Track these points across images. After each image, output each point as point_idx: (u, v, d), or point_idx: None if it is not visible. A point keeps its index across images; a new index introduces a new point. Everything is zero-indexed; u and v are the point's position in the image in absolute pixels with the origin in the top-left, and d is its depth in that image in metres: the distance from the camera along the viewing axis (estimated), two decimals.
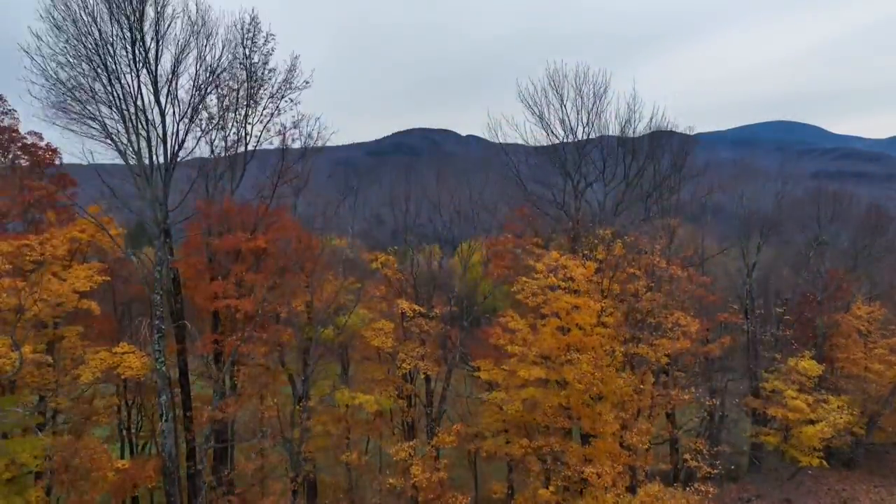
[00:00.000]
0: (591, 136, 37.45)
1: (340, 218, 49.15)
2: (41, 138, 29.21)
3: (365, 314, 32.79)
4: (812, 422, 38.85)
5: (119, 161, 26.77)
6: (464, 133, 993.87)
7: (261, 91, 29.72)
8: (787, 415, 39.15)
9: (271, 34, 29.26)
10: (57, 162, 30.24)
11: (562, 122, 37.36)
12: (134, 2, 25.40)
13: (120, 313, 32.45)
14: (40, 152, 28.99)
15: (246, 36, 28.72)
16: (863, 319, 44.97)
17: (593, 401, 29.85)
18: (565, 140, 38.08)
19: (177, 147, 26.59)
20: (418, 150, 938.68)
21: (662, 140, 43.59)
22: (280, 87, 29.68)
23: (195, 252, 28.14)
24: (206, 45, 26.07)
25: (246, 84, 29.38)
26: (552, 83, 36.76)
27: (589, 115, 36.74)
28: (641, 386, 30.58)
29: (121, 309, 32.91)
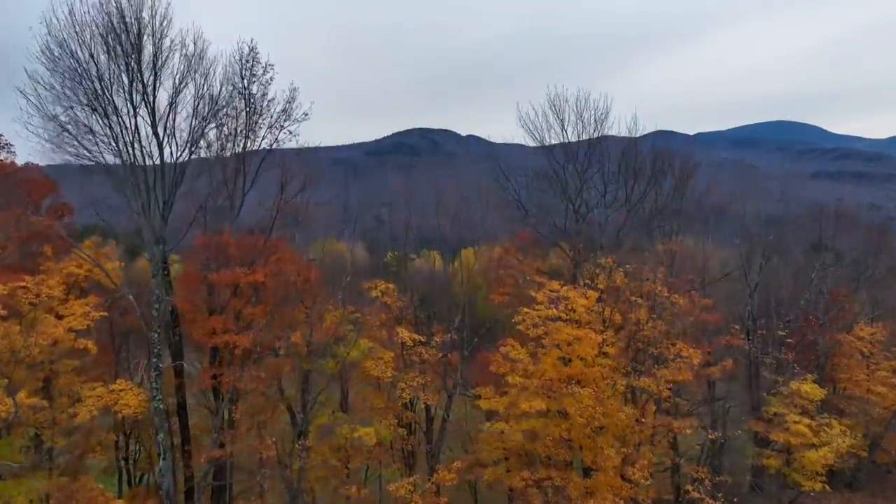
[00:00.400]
0: (591, 161, 37.14)
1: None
2: (38, 170, 28.97)
3: (364, 343, 32.53)
4: (815, 446, 38.59)
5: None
6: (464, 133, 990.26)
7: (259, 121, 29.48)
8: (790, 439, 38.89)
9: (270, 64, 29.10)
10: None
11: (563, 146, 37.04)
12: (132, 37, 25.17)
13: (118, 344, 32.23)
14: (37, 185, 28.76)
15: (245, 66, 28.48)
16: (865, 341, 44.72)
17: (595, 433, 29.63)
18: (566, 165, 37.82)
19: (176, 182, 26.34)
20: (418, 150, 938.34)
21: (664, 163, 43.31)
22: (278, 118, 29.44)
23: (193, 286, 27.90)
24: (203, 82, 25.82)
25: (244, 114, 29.14)
26: (553, 108, 36.48)
27: (591, 138, 36.43)
28: (643, 419, 30.34)
29: (119, 339, 32.68)
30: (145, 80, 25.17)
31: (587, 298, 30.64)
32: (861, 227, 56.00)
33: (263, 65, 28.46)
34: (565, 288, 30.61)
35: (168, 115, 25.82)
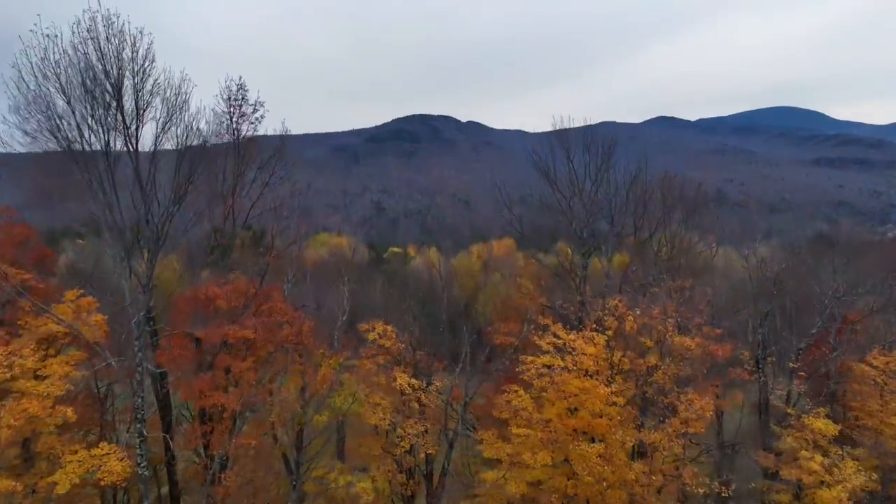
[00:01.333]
0: (599, 192, 35.54)
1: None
2: (16, 215, 27.42)
3: (361, 389, 31.13)
4: (828, 484, 37.38)
5: None
6: (464, 119, 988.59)
7: (249, 163, 27.87)
8: (802, 476, 37.66)
9: (260, 102, 27.46)
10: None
11: (570, 179, 35.43)
12: (111, 79, 23.53)
13: (103, 393, 30.74)
14: (15, 231, 27.25)
15: (233, 104, 26.82)
16: (879, 370, 43.28)
17: (602, 489, 28.37)
18: (572, 198, 36.19)
19: (161, 237, 24.77)
20: (418, 136, 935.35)
21: (673, 193, 41.68)
22: (270, 160, 27.84)
23: (180, 343, 26.44)
24: (187, 133, 24.19)
25: (233, 155, 27.54)
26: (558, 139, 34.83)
27: (598, 170, 34.82)
28: (653, 476, 29.03)
29: (104, 389, 31.15)
30: (129, 132, 23.58)
31: (595, 345, 29.27)
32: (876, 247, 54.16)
33: (253, 104, 26.83)
34: (571, 336, 29.18)
35: (152, 169, 24.20)
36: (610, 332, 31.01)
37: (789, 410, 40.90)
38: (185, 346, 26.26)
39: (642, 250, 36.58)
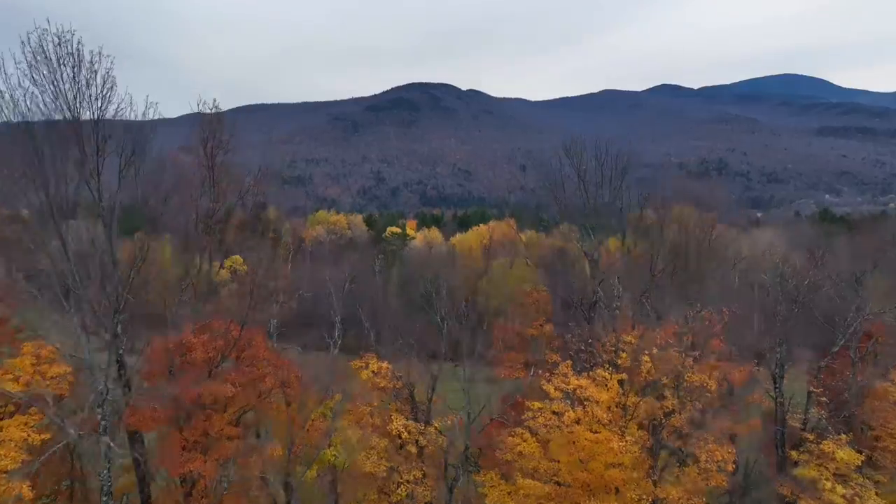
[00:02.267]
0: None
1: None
2: None
3: (354, 433, 28.78)
4: None
5: None
6: (464, 87, 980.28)
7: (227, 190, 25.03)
8: None
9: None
10: None
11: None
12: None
13: (72, 447, 28.35)
14: None
15: (207, 133, 23.93)
16: None
17: None
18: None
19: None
20: (418, 105, 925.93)
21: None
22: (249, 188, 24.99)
23: (154, 401, 23.92)
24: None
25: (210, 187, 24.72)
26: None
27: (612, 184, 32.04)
28: None
29: (72, 445, 28.70)
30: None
31: (608, 388, 26.88)
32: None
33: (229, 136, 23.91)
34: (582, 380, 26.72)
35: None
36: (623, 359, 28.63)
37: (808, 436, 38.69)
38: (157, 403, 23.79)
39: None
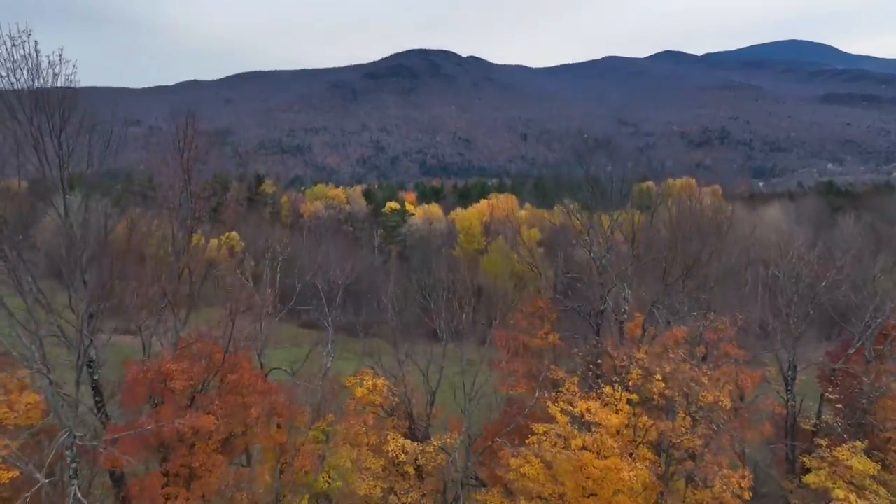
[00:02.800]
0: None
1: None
2: None
3: (347, 453, 27.27)
4: None
5: None
6: (464, 54, 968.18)
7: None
8: None
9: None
10: None
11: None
12: None
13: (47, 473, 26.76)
14: None
15: (182, 142, 21.95)
16: None
17: None
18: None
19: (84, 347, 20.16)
20: (417, 72, 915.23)
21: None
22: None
23: (130, 440, 22.30)
24: None
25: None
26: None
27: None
28: None
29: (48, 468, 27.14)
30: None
31: (618, 412, 25.33)
32: None
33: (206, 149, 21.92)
34: (591, 403, 25.11)
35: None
36: (634, 377, 27.04)
37: (821, 442, 37.32)
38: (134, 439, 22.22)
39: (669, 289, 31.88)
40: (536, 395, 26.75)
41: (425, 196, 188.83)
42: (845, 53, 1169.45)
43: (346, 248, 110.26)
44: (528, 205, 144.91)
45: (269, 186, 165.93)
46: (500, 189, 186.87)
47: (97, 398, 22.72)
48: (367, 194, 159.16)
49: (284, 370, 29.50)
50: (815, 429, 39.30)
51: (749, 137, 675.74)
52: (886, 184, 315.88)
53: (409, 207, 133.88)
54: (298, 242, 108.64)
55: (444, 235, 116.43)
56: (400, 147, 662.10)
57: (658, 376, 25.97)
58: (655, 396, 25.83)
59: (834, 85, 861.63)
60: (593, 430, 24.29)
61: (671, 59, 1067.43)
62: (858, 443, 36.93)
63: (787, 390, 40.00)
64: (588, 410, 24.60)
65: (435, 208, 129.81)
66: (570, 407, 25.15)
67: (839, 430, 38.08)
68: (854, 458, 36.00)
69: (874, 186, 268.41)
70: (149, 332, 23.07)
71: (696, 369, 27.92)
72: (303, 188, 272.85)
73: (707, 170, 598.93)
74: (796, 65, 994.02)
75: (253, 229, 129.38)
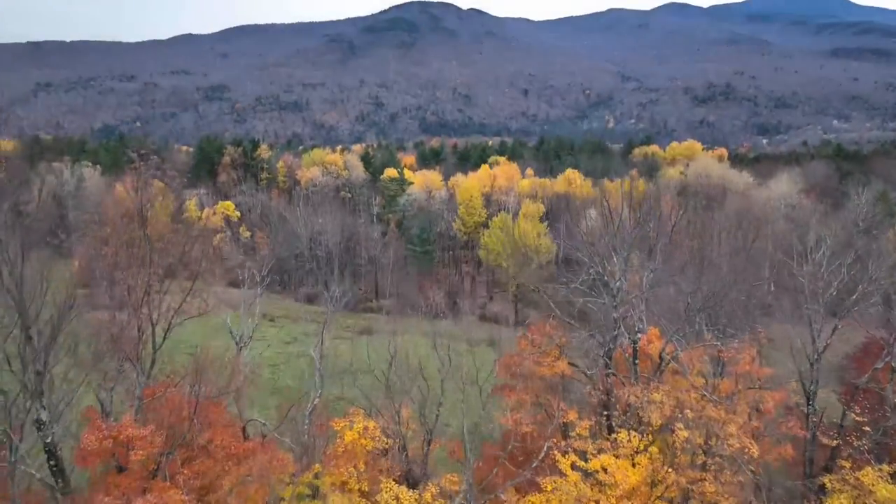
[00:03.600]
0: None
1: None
2: None
3: (337, 501, 24.86)
4: None
5: None
6: (465, 6, 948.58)
7: None
8: None
9: None
10: None
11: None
12: None
13: None
14: None
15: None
16: None
17: None
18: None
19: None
20: (417, 25, 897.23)
21: None
22: None
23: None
24: None
25: None
26: None
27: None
28: None
29: None
30: None
31: (636, 464, 22.83)
32: None
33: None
34: (605, 458, 22.57)
35: None
36: (654, 421, 24.53)
37: (844, 464, 35.07)
38: None
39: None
40: (545, 449, 24.21)
41: (425, 159, 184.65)
42: (856, 5, 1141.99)
43: (344, 217, 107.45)
44: (529, 171, 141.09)
45: (264, 151, 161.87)
46: (501, 152, 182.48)
47: (52, 462, 20.17)
48: (366, 159, 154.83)
49: (263, 423, 26.81)
50: (836, 448, 37.10)
51: (754, 94, 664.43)
52: (893, 142, 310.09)
53: (407, 174, 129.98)
54: (294, 214, 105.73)
55: (445, 203, 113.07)
56: (399, 103, 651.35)
57: (680, 425, 23.41)
58: (679, 451, 23.33)
59: (843, 39, 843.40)
60: (607, 490, 21.81)
61: (676, 12, 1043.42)
62: (885, 466, 34.71)
63: (810, 403, 37.64)
64: (603, 468, 22.12)
65: (434, 176, 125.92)
66: (583, 462, 22.68)
67: (863, 451, 35.86)
68: (880, 483, 33.81)
69: (881, 146, 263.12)
70: (107, 392, 20.38)
71: (720, 410, 25.37)
72: (301, 148, 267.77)
73: (711, 126, 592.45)
74: (804, 17, 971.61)
75: (248, 198, 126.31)
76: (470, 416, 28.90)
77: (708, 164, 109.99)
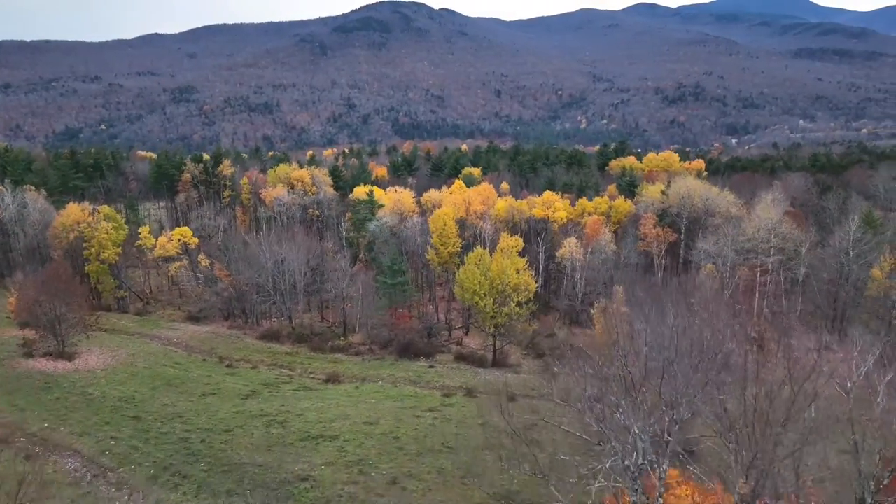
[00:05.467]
0: None
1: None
2: None
3: None
4: None
5: None
6: (437, 6, 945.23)
7: None
8: None
9: None
10: None
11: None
12: None
13: None
14: None
15: None
16: None
17: None
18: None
19: None
20: (389, 25, 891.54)
21: None
22: None
23: None
24: None
25: None
26: None
27: None
28: None
29: None
30: None
31: None
32: None
33: None
34: None
35: None
36: None
37: None
38: None
39: None
40: None
41: (397, 169, 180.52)
42: (819, 6, 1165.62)
43: (311, 244, 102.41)
44: (504, 185, 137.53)
45: (227, 167, 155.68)
46: (476, 161, 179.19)
47: None
48: (335, 173, 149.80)
49: None
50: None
51: (723, 94, 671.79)
52: (859, 145, 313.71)
53: (378, 193, 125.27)
54: (257, 240, 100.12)
55: (417, 227, 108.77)
56: (371, 105, 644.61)
57: None
58: None
59: (807, 39, 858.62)
60: None
61: (646, 12, 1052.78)
62: None
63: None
64: None
65: (406, 196, 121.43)
66: None
67: None
68: None
69: (849, 150, 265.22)
70: None
71: None
72: (271, 153, 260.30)
73: (682, 126, 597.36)
74: (771, 17, 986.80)
75: (208, 221, 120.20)
76: None
77: (690, 185, 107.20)
